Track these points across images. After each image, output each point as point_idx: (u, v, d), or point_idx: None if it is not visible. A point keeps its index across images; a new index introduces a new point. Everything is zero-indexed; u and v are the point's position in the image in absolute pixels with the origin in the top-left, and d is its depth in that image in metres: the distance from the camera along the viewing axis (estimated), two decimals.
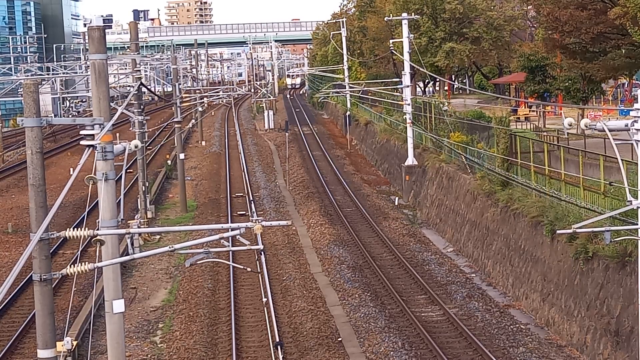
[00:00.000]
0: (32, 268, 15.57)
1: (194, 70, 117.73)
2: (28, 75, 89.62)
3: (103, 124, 15.37)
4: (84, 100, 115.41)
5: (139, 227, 16.25)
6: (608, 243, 16.67)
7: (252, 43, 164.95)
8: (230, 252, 34.68)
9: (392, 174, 59.07)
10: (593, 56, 47.14)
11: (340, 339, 27.66)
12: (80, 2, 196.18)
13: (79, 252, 30.52)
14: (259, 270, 33.59)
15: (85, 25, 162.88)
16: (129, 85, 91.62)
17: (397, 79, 62.60)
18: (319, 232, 42.81)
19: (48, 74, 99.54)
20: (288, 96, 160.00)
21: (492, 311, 29.90)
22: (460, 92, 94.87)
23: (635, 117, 16.10)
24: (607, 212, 23.71)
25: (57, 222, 43.54)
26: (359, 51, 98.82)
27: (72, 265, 14.94)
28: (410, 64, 52.65)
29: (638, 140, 16.15)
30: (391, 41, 62.77)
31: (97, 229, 15.62)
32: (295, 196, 53.58)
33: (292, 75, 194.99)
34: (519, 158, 35.52)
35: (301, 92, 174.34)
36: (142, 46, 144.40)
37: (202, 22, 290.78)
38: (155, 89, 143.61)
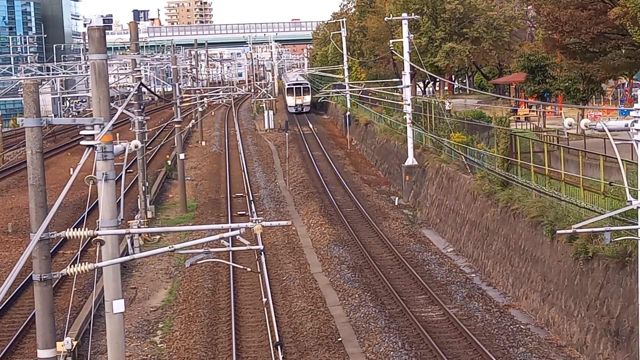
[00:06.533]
0: (32, 268, 15.57)
1: (194, 70, 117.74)
2: (28, 75, 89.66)
3: (103, 124, 15.37)
4: (84, 100, 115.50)
5: (139, 227, 16.26)
6: (608, 243, 16.67)
7: (252, 43, 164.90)
8: (230, 252, 34.68)
9: (392, 174, 59.07)
10: (593, 56, 47.19)
11: (340, 339, 27.66)
12: (80, 2, 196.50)
13: (79, 252, 30.52)
14: (259, 270, 33.60)
15: (85, 25, 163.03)
16: (129, 85, 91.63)
17: (397, 79, 62.61)
18: (319, 232, 42.81)
19: (48, 74, 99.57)
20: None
21: (492, 311, 29.90)
22: (460, 92, 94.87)
23: (635, 117, 16.10)
24: (607, 212, 23.71)
25: (57, 222, 43.53)
26: (359, 51, 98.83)
27: (72, 265, 14.95)
28: (410, 64, 52.65)
29: (638, 140, 16.15)
30: (391, 41, 62.79)
31: (97, 229, 15.62)
32: (295, 196, 53.57)
33: (297, 88, 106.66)
34: (519, 158, 35.52)
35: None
36: (142, 46, 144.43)
37: (202, 22, 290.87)
38: (155, 89, 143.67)
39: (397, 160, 57.56)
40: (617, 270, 24.12)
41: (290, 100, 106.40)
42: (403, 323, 28.95)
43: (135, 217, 19.10)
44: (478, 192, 38.45)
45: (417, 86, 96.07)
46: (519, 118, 59.19)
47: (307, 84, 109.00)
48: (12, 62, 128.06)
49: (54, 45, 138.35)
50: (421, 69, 57.17)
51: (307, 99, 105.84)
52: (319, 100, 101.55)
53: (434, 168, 47.72)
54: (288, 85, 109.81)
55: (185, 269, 36.12)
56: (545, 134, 45.24)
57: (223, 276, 35.33)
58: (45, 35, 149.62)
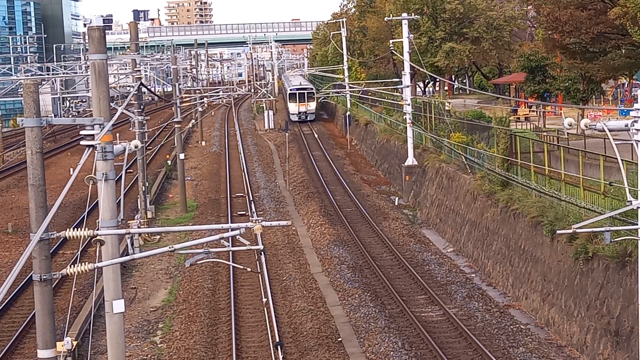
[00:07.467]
0: (32, 268, 15.57)
1: (194, 70, 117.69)
2: (28, 75, 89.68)
3: (103, 124, 15.37)
4: (84, 100, 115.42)
5: (139, 227, 16.26)
6: (608, 243, 16.68)
7: (252, 43, 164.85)
8: (230, 252, 34.69)
9: (392, 174, 59.07)
10: (593, 56, 47.19)
11: (340, 339, 27.66)
12: (80, 2, 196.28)
13: (79, 252, 30.54)
14: (259, 270, 33.60)
15: (85, 25, 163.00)
16: (129, 85, 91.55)
17: (397, 79, 62.59)
18: (319, 232, 42.81)
19: (48, 74, 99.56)
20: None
21: (492, 311, 29.90)
22: (460, 92, 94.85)
23: (635, 117, 16.10)
24: (607, 212, 23.71)
25: (57, 222, 43.53)
26: (359, 51, 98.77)
27: (72, 265, 14.95)
28: (410, 64, 52.65)
29: (638, 140, 16.15)
30: (391, 41, 62.76)
31: (97, 229, 15.62)
32: (295, 196, 53.57)
33: (300, 94, 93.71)
34: (519, 158, 35.52)
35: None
36: (142, 46, 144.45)
37: (202, 22, 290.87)
38: (155, 89, 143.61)
39: (397, 160, 57.55)
40: (617, 270, 24.12)
41: (293, 107, 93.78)
42: (403, 323, 28.95)
43: (135, 217, 19.12)
44: (478, 192, 38.45)
45: (417, 86, 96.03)
46: (519, 118, 59.19)
47: (312, 88, 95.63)
48: (12, 62, 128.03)
49: (54, 45, 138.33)
50: (421, 69, 57.14)
51: (312, 105, 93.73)
52: (319, 101, 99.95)
53: (434, 168, 47.72)
54: (290, 90, 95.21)
55: (185, 269, 36.13)
56: (545, 134, 45.23)
57: (223, 276, 35.33)
58: (45, 35, 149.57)
